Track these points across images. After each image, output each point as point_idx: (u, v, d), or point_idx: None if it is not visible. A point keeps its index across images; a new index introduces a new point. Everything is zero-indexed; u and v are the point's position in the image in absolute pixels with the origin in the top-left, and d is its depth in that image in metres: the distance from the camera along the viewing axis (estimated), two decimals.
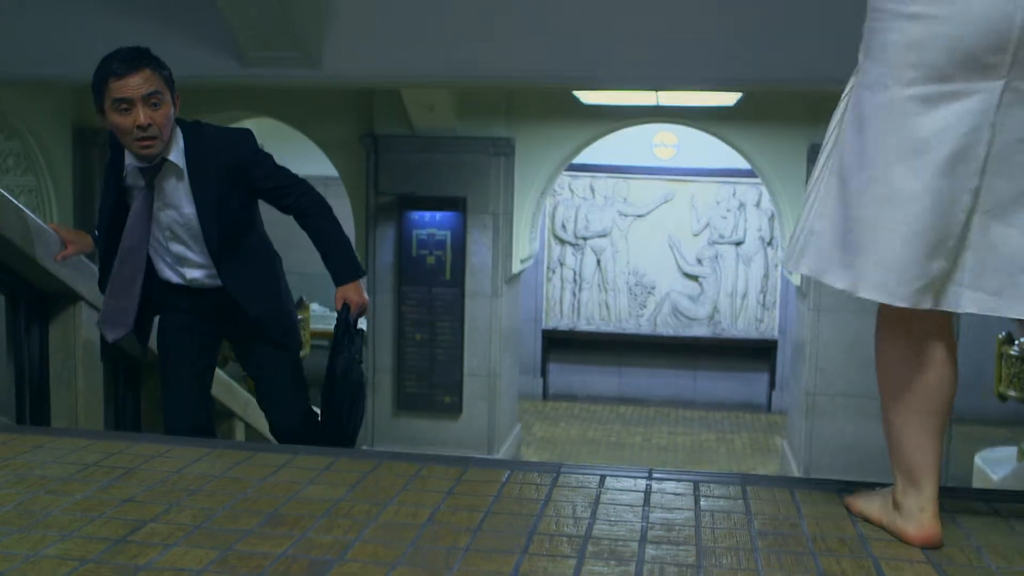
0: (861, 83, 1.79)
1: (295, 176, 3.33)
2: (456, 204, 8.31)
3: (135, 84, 2.93)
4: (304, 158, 11.22)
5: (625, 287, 11.56)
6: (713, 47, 5.19)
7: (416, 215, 8.40)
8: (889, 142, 1.70)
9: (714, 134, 8.62)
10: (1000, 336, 7.52)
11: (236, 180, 3.19)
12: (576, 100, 7.91)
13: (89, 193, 8.59)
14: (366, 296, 3.38)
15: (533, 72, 5.44)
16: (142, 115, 2.93)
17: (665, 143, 11.13)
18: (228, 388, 4.93)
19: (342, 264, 3.35)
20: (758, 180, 9.42)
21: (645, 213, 11.41)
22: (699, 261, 11.39)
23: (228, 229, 3.20)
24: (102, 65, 2.97)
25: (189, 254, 3.23)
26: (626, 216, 11.43)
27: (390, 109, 8.20)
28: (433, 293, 8.49)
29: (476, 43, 5.31)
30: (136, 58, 2.97)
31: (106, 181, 3.24)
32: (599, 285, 11.59)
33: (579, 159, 9.44)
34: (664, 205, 11.37)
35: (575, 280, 11.61)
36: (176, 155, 3.09)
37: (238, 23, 5.22)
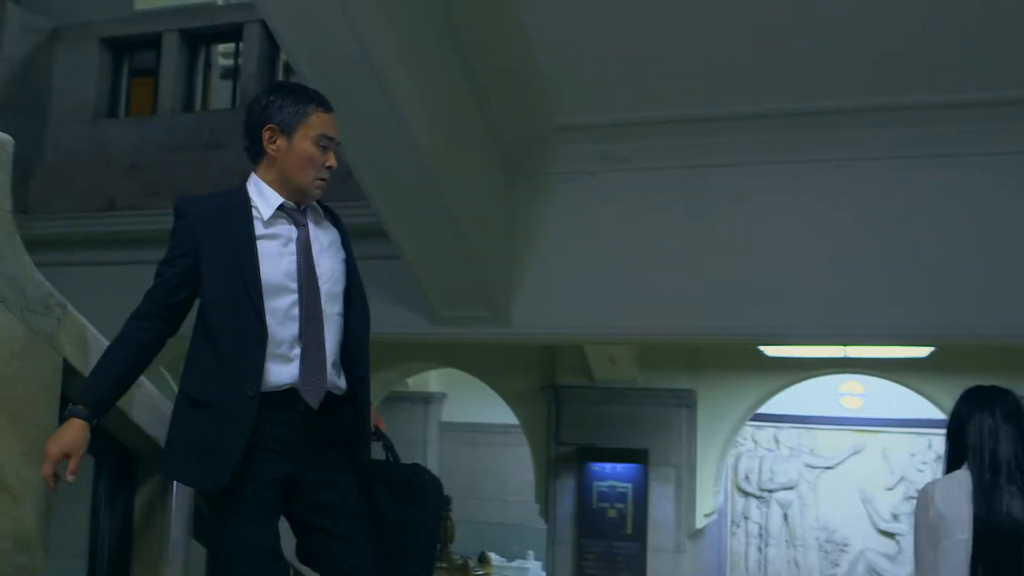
0: None
1: None
2: (638, 456, 8.22)
3: (336, 126, 2.73)
4: (486, 406, 11.51)
5: (815, 543, 10.98)
6: (902, 304, 5.09)
7: (597, 467, 8.33)
8: None
9: (906, 384, 8.33)
10: None
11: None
12: (760, 352, 7.85)
13: None
14: None
15: (715, 329, 5.45)
16: (334, 158, 2.71)
17: (852, 392, 10.81)
18: None
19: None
20: None
21: (834, 465, 10.98)
22: (895, 517, 10.75)
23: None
24: (299, 90, 2.73)
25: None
26: (813, 468, 11.02)
27: (571, 361, 8.33)
28: (614, 547, 8.27)
29: (658, 302, 5.39)
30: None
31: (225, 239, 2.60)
32: (787, 541, 11.06)
33: (762, 409, 9.26)
34: (854, 457, 10.93)
35: (761, 535, 11.13)
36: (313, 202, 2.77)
37: (431, 286, 5.50)
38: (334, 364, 2.64)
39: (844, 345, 6.84)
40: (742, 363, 8.26)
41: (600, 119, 5.32)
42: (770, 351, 7.82)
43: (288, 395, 2.55)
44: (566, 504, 8.50)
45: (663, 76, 4.97)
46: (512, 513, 12.36)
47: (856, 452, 10.93)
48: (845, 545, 10.90)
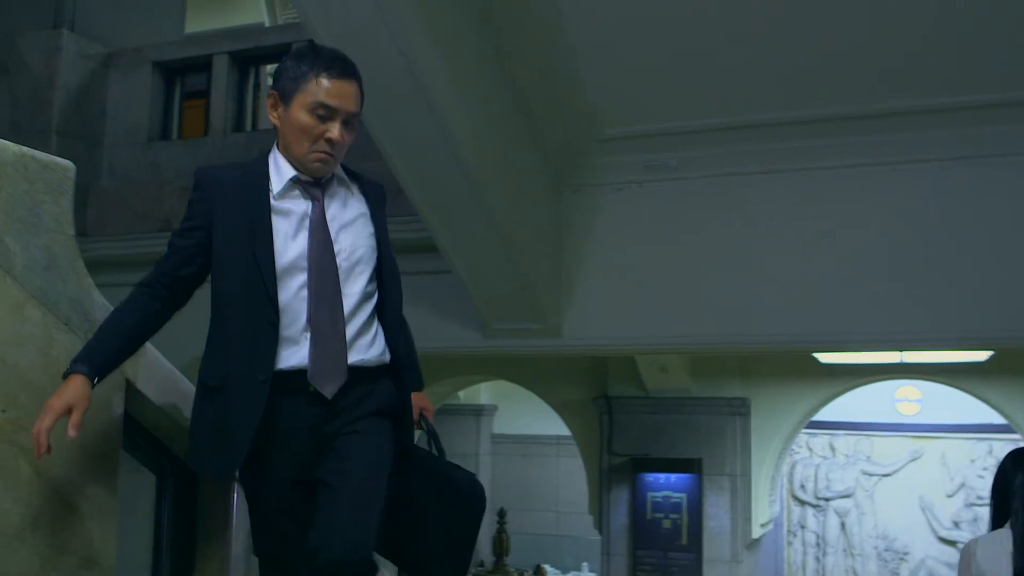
0: None
1: None
2: (691, 466, 8.17)
3: (349, 95, 2.46)
4: (537, 418, 11.51)
5: (874, 552, 10.81)
6: (960, 307, 5.01)
7: (650, 477, 8.30)
8: None
9: (964, 389, 8.19)
10: None
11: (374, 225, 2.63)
12: (813, 358, 7.77)
13: None
14: None
15: (769, 337, 5.40)
16: (338, 131, 2.44)
17: (908, 398, 10.65)
18: None
19: (418, 370, 2.82)
20: (1018, 436, 8.79)
21: (891, 472, 10.81)
22: (956, 524, 10.56)
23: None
24: (311, 53, 2.50)
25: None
26: (871, 475, 10.86)
27: (623, 371, 8.31)
28: (669, 558, 8.23)
29: (709, 311, 5.36)
30: (353, 66, 2.50)
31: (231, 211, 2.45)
32: (844, 550, 10.91)
33: (817, 416, 9.16)
34: (911, 463, 10.76)
35: (818, 544, 10.98)
36: (340, 173, 2.58)
37: (482, 300, 5.52)
38: (357, 343, 2.47)
39: (900, 350, 6.76)
40: (796, 370, 8.18)
41: (646, 129, 5.31)
42: (824, 358, 7.74)
43: (304, 377, 2.41)
44: (620, 515, 8.48)
45: (707, 84, 4.95)
46: (566, 525, 12.34)
47: (914, 459, 10.76)
48: (905, 553, 10.72)
